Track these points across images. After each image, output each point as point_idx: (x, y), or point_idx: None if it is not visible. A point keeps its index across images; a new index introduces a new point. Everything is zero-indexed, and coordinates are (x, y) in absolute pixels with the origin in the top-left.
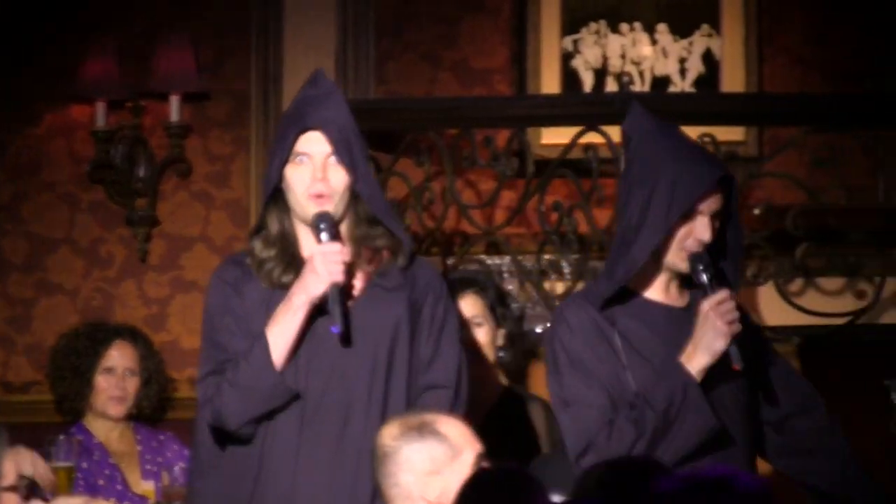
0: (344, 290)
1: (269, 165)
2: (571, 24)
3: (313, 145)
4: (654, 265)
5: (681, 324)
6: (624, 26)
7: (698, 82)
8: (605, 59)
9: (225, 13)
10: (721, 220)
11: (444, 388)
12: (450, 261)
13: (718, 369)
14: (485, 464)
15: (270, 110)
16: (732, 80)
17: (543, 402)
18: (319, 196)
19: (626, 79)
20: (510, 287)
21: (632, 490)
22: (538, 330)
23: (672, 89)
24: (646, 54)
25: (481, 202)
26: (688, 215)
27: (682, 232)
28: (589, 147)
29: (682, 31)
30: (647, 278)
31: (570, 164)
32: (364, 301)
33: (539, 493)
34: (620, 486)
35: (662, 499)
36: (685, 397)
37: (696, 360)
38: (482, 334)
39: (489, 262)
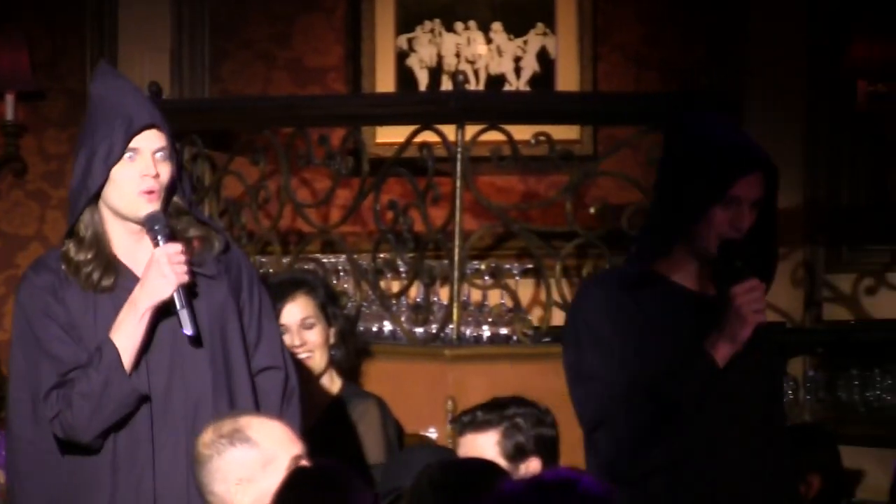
0: (187, 289)
1: (89, 164)
2: (406, 23)
3: (144, 141)
4: (684, 250)
5: (706, 312)
6: (459, 25)
7: (533, 81)
8: (440, 57)
9: (59, 11)
10: (759, 211)
11: (275, 368)
12: (285, 259)
13: (743, 358)
14: (304, 463)
15: None
16: (567, 79)
17: (377, 399)
18: (150, 192)
19: (460, 77)
20: (346, 286)
21: (469, 492)
22: (381, 328)
23: (507, 88)
24: (481, 53)
25: (317, 201)
26: (726, 202)
27: (718, 218)
28: (424, 145)
29: (516, 29)
30: (676, 263)
31: (406, 163)
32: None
33: (358, 489)
34: (456, 487)
35: (505, 500)
36: (708, 386)
37: (721, 348)
38: (315, 335)
39: (325, 260)
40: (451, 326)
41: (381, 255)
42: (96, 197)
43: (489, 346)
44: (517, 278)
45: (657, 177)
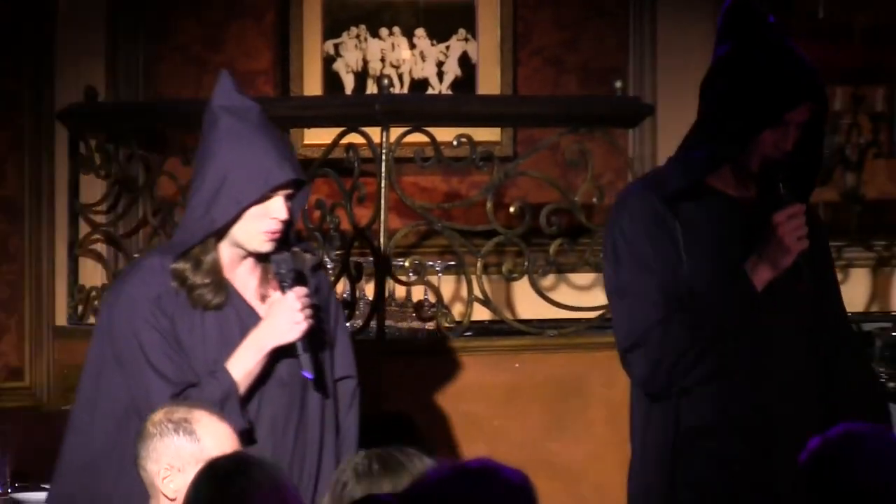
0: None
1: (216, 195)
2: (333, 29)
3: (282, 190)
4: (732, 162)
5: (748, 217)
6: (384, 31)
7: (455, 85)
8: (365, 62)
9: None
10: (807, 134)
11: (350, 377)
12: None
13: (784, 282)
14: None
15: (43, 110)
16: (488, 83)
17: None
18: (275, 233)
19: (385, 81)
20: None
21: (393, 479)
22: None
23: (430, 91)
24: (405, 58)
25: None
26: (775, 124)
27: (766, 139)
28: (350, 147)
29: (439, 35)
30: (718, 173)
31: (332, 164)
32: None
33: (271, 479)
34: (379, 475)
35: (430, 486)
36: (746, 309)
37: (761, 272)
38: None
39: None
40: (376, 321)
41: None
42: (218, 232)
43: (413, 340)
44: (440, 275)
45: (709, 93)
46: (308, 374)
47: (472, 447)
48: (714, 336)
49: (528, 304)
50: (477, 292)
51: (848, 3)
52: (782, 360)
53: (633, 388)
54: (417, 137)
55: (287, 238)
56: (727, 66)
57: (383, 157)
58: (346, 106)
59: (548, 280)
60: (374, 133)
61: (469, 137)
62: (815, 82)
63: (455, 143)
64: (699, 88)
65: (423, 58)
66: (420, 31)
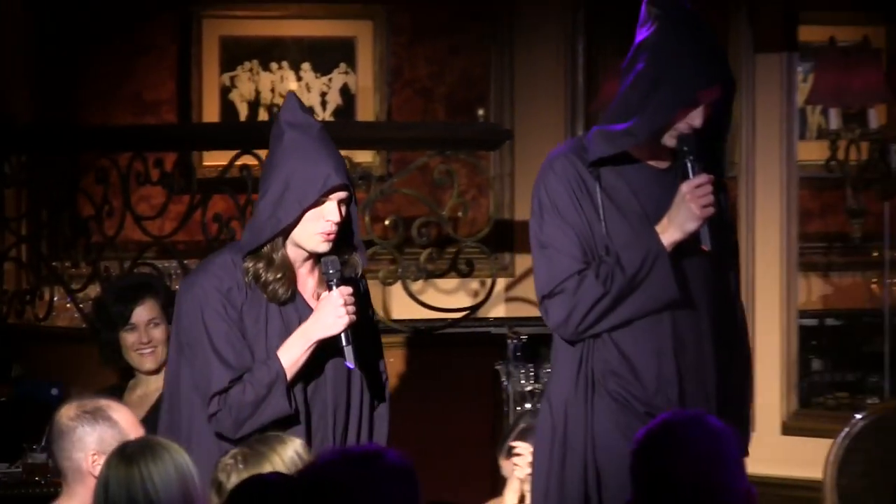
0: (353, 327)
1: (282, 198)
2: (229, 63)
3: (337, 193)
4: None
5: (661, 184)
6: (274, 65)
7: (337, 112)
8: (257, 92)
9: None
10: (715, 110)
11: (383, 372)
12: (126, 264)
13: (688, 245)
14: None
15: None
16: (366, 111)
17: None
18: (329, 234)
19: (275, 110)
20: (178, 287)
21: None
22: None
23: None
24: (292, 89)
25: (153, 214)
26: (689, 102)
27: (680, 114)
28: (244, 167)
29: (323, 69)
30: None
31: (229, 182)
32: None
33: (177, 464)
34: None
35: (318, 470)
36: (653, 266)
37: (669, 234)
38: (159, 332)
39: (160, 265)
40: None
41: None
42: (284, 231)
43: None
44: None
45: (630, 70)
46: (350, 365)
47: None
48: (625, 289)
49: (401, 305)
50: None
51: None
52: (685, 314)
53: (555, 334)
54: None
55: (345, 242)
56: (646, 49)
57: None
58: (241, 131)
59: (418, 285)
60: (265, 155)
61: (349, 159)
62: (725, 65)
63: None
64: (621, 68)
65: (308, 89)
66: (306, 66)
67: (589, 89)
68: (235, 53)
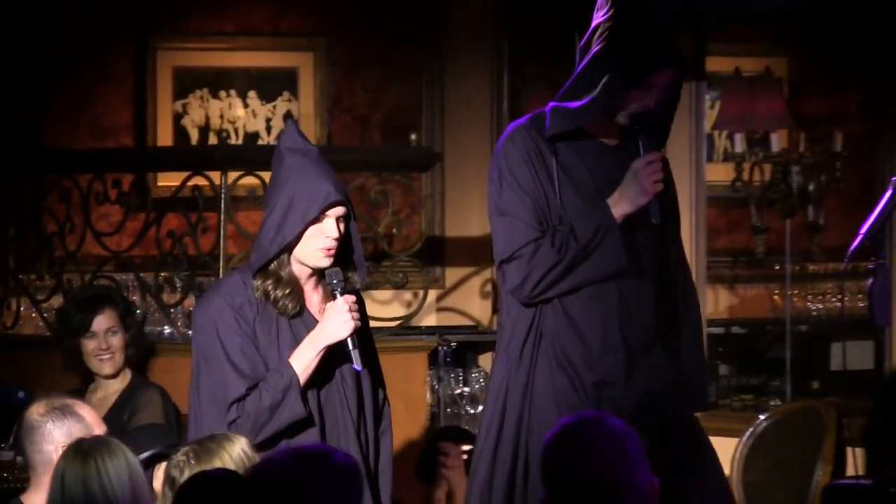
0: (357, 333)
1: (285, 217)
2: (181, 92)
3: (335, 210)
4: (604, 111)
5: (612, 159)
6: (222, 93)
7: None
8: (207, 119)
9: None
10: (665, 93)
11: (380, 383)
12: (87, 277)
13: (637, 218)
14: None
15: None
16: (308, 136)
17: (160, 387)
18: (329, 250)
19: (223, 134)
20: (135, 298)
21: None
22: (162, 331)
23: (260, 142)
24: (239, 115)
25: (112, 231)
26: (641, 85)
27: (632, 96)
28: (196, 188)
29: (268, 97)
30: (591, 120)
31: (181, 201)
32: None
33: (129, 463)
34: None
35: (267, 467)
36: (605, 236)
37: (620, 207)
38: (117, 340)
39: (118, 277)
40: None
41: (163, 274)
42: (288, 247)
43: None
44: None
45: (586, 51)
46: (358, 367)
47: None
48: (578, 257)
49: None
50: None
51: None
52: (632, 283)
53: (505, 296)
54: (250, 180)
55: (346, 259)
56: (602, 33)
57: (222, 195)
58: (192, 154)
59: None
60: (215, 176)
61: None
62: (675, 51)
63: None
64: (577, 50)
65: (254, 115)
66: (252, 94)
67: (513, 114)
68: (187, 82)
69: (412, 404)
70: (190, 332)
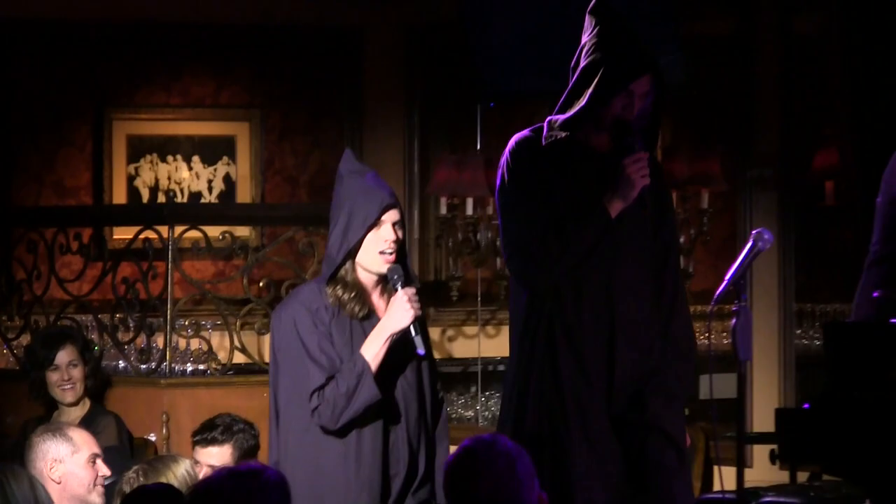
0: (419, 320)
1: (348, 225)
2: (134, 156)
3: (391, 216)
4: (590, 123)
5: (603, 161)
6: (170, 157)
7: (220, 196)
8: (157, 180)
9: None
10: (649, 102)
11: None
12: (51, 318)
13: (633, 212)
14: (99, 461)
15: None
16: (244, 195)
17: (115, 415)
18: (390, 253)
19: (171, 194)
20: (94, 336)
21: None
22: (117, 364)
23: (203, 200)
24: (185, 177)
25: (74, 278)
26: (623, 94)
27: (617, 104)
28: (146, 240)
29: (210, 161)
30: (584, 128)
31: (134, 252)
32: None
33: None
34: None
35: (208, 485)
36: (602, 232)
37: (614, 203)
38: (77, 372)
39: (79, 318)
40: (165, 364)
41: (118, 315)
42: (352, 253)
43: (191, 377)
44: (210, 330)
45: (576, 68)
46: (421, 352)
47: None
48: (576, 250)
49: None
50: (237, 343)
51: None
52: (628, 270)
53: (513, 285)
54: (194, 233)
55: (400, 262)
56: (587, 50)
57: (169, 247)
58: (144, 211)
59: None
60: (164, 230)
61: (230, 233)
62: (653, 61)
63: (220, 236)
64: (570, 69)
65: (197, 177)
66: (196, 158)
67: (423, 176)
68: (139, 148)
69: None
70: (142, 366)
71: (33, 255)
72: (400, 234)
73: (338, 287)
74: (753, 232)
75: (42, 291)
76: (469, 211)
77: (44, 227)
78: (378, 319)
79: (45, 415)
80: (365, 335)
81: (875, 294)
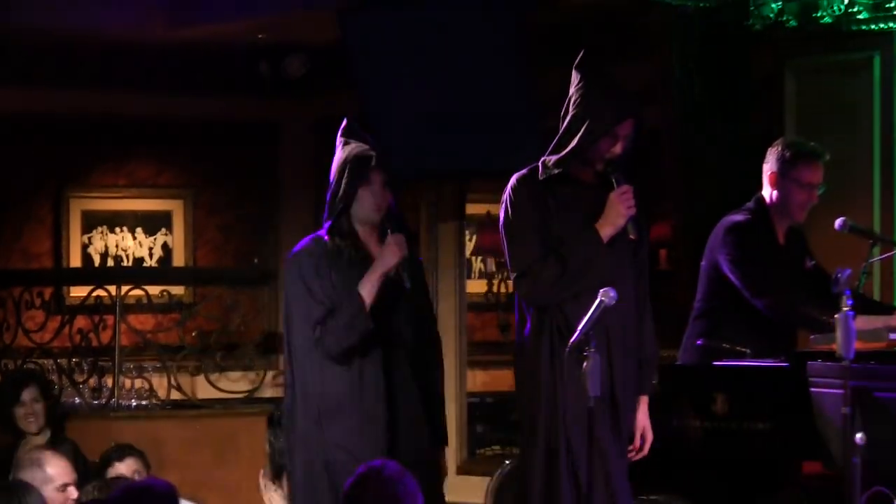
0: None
1: (344, 188)
2: (87, 228)
3: (380, 174)
4: (580, 161)
5: (591, 194)
6: (118, 229)
7: (160, 261)
8: (106, 248)
9: None
10: (630, 140)
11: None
12: (18, 362)
13: (619, 236)
14: (70, 488)
15: None
16: (179, 260)
17: (72, 442)
18: (380, 205)
19: (119, 259)
20: (53, 377)
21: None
22: (73, 401)
23: (145, 265)
24: (130, 245)
25: (37, 329)
26: (609, 136)
27: (603, 146)
28: (98, 297)
29: (150, 232)
30: (575, 167)
31: (87, 307)
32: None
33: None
34: None
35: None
36: (595, 254)
37: (605, 230)
38: (40, 408)
39: (41, 362)
40: (114, 400)
41: (74, 360)
42: (347, 207)
43: (136, 410)
44: (151, 372)
45: (566, 117)
46: (408, 285)
47: (167, 474)
48: (575, 270)
49: (204, 390)
50: (173, 382)
51: None
52: (617, 285)
53: (517, 301)
54: (138, 292)
55: (391, 217)
56: (575, 100)
57: (118, 303)
58: (95, 273)
59: (215, 375)
60: (112, 289)
61: (168, 291)
62: (634, 104)
63: (160, 294)
64: (560, 117)
65: (140, 245)
66: (139, 230)
67: None
68: (92, 221)
69: (256, 452)
70: (95, 402)
71: (3, 310)
72: (388, 189)
73: (336, 236)
74: (601, 290)
75: (11, 340)
76: None
77: (12, 286)
78: (372, 263)
79: (14, 442)
80: (361, 277)
81: (699, 342)
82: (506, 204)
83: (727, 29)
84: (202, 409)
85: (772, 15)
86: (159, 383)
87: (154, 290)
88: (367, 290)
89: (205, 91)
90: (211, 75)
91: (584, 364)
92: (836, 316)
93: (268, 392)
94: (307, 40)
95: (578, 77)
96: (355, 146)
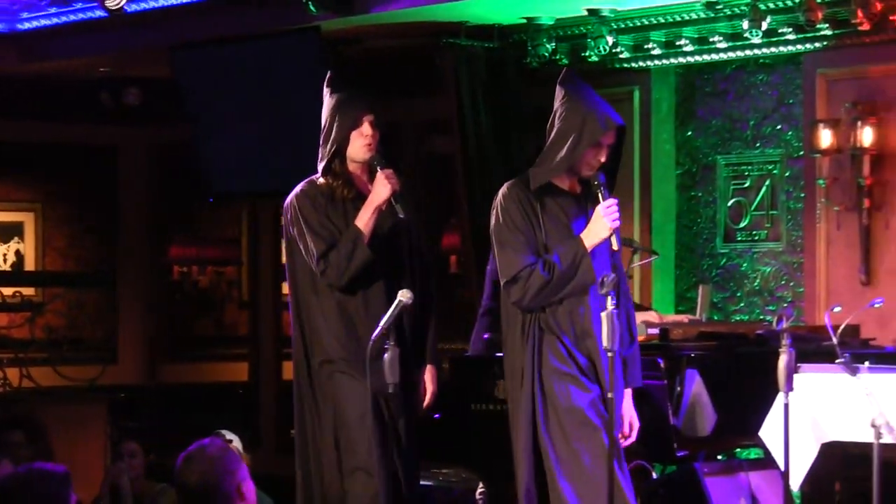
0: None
1: (337, 130)
2: None
3: (369, 117)
4: (566, 171)
5: (578, 204)
6: None
7: (12, 265)
8: None
9: None
10: (612, 150)
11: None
12: None
13: (602, 247)
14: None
15: None
16: (30, 265)
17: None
18: (370, 144)
19: None
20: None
21: None
22: None
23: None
24: None
25: None
26: (595, 145)
27: (589, 155)
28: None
29: (4, 240)
30: (561, 177)
31: None
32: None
33: None
34: None
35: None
36: (580, 263)
37: (589, 239)
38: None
39: None
40: None
41: None
42: (340, 149)
43: None
44: (5, 363)
45: (552, 129)
46: (402, 215)
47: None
48: (560, 276)
49: (52, 379)
50: (24, 372)
51: None
52: (595, 293)
53: (505, 306)
54: None
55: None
56: (560, 113)
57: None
58: None
59: (62, 367)
60: None
61: (20, 293)
62: (616, 116)
63: (13, 295)
64: (546, 129)
65: None
66: None
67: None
68: None
69: (98, 435)
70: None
71: None
72: (376, 129)
73: (330, 176)
74: (400, 291)
75: None
76: None
77: None
78: (366, 198)
79: None
80: (356, 212)
81: (485, 336)
82: (496, 210)
83: (508, 67)
84: (49, 395)
85: (546, 54)
86: (13, 372)
87: (7, 291)
88: (364, 221)
89: (53, 117)
90: (58, 103)
91: (385, 355)
92: (602, 313)
93: (109, 381)
94: (145, 73)
95: (563, 92)
96: (342, 93)
